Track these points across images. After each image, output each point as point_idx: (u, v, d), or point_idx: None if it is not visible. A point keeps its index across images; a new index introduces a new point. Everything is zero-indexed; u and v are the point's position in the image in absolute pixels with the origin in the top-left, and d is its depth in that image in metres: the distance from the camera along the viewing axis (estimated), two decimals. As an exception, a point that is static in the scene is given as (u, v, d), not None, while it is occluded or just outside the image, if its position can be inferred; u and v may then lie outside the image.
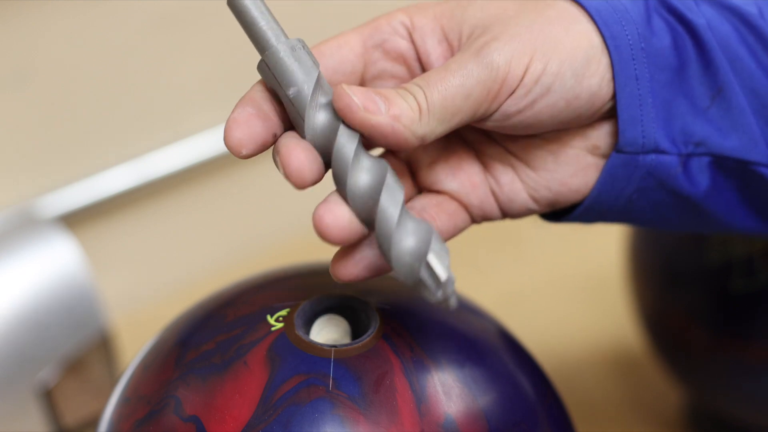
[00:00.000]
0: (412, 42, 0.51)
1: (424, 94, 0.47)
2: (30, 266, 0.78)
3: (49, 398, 0.77)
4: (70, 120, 0.94)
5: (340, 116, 0.46)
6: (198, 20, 0.96)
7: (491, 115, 0.49)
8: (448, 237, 0.52)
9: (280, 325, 0.50)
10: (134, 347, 0.75)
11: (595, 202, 0.53)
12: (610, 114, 0.51)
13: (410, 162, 0.53)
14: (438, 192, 0.53)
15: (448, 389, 0.48)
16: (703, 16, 0.51)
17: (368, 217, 0.46)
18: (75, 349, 0.78)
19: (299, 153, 0.46)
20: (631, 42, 0.50)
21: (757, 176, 0.52)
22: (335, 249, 0.49)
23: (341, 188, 0.46)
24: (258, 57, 0.49)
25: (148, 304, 0.99)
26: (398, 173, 0.52)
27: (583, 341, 0.89)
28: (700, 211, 0.54)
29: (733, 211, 0.54)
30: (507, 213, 0.53)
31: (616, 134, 0.52)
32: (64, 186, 0.94)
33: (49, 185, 0.93)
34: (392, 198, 0.45)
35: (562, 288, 0.96)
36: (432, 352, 0.49)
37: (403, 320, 0.50)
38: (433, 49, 0.51)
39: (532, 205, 0.53)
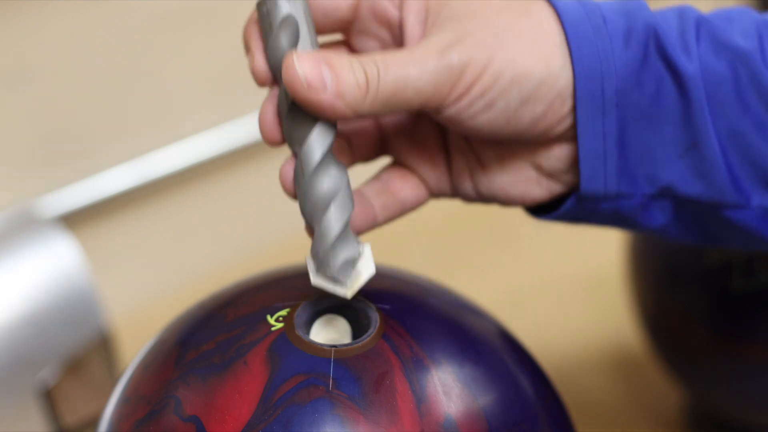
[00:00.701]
0: (400, 11, 0.51)
1: (379, 74, 0.47)
2: (30, 266, 0.78)
3: (49, 398, 0.77)
4: (71, 120, 0.94)
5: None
6: (198, 20, 0.96)
7: (439, 113, 0.50)
8: (411, 208, 0.55)
9: (280, 325, 0.50)
10: (134, 347, 0.75)
11: (553, 218, 0.55)
12: (563, 139, 0.52)
13: (379, 124, 0.55)
14: (399, 163, 0.55)
15: (448, 389, 0.48)
16: (699, 58, 0.50)
17: (310, 217, 0.49)
18: (75, 349, 0.78)
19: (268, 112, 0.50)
20: (605, 97, 0.50)
21: (719, 216, 0.53)
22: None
23: (296, 184, 0.50)
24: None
25: (148, 304, 0.99)
26: (364, 136, 0.55)
27: (583, 341, 0.89)
28: (651, 233, 0.56)
29: (683, 237, 0.55)
30: (457, 194, 0.56)
31: (565, 160, 0.52)
32: (64, 186, 0.94)
33: (49, 185, 0.93)
34: (340, 214, 0.49)
35: (562, 288, 0.96)
36: (432, 352, 0.49)
37: (403, 320, 0.50)
38: (412, 28, 0.51)
39: (474, 197, 0.55)
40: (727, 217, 0.52)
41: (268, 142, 0.50)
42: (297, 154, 0.50)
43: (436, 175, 0.55)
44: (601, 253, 0.94)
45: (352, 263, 0.49)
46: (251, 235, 1.05)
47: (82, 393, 0.80)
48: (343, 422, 0.46)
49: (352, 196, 0.50)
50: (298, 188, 0.50)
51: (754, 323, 0.68)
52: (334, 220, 0.49)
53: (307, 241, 0.49)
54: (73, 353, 0.78)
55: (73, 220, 0.94)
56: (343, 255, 0.49)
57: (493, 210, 1.07)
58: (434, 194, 0.56)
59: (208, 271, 1.02)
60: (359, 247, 0.50)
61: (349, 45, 0.54)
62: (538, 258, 1.01)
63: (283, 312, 0.50)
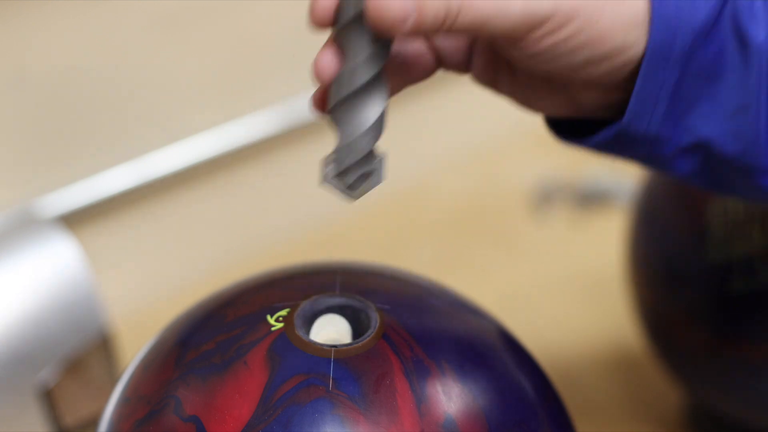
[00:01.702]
0: None
1: (459, 12, 0.46)
2: (30, 266, 0.78)
3: (49, 398, 0.77)
4: (70, 120, 0.94)
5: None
6: (198, 20, 0.96)
7: (498, 47, 0.49)
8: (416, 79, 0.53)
9: (280, 325, 0.50)
10: (134, 347, 0.75)
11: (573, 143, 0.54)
12: (608, 86, 0.51)
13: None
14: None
15: (448, 389, 0.48)
16: (766, 29, 0.50)
17: (340, 127, 0.48)
18: (75, 349, 0.78)
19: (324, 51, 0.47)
20: (675, 50, 0.49)
21: (744, 179, 0.53)
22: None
23: (337, 85, 0.48)
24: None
25: (148, 304, 0.99)
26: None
27: (583, 341, 0.89)
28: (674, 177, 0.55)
29: (705, 187, 0.55)
30: (467, 73, 0.54)
31: (602, 101, 0.52)
32: (64, 186, 0.94)
33: (49, 185, 0.93)
34: (374, 136, 0.48)
35: (562, 288, 0.96)
36: (432, 352, 0.49)
37: (403, 320, 0.50)
38: None
39: (487, 86, 0.54)
40: (753, 183, 0.53)
41: (315, 22, 0.47)
42: (347, 59, 0.48)
43: (455, 61, 0.53)
44: (601, 253, 0.94)
45: (367, 175, 0.49)
46: (251, 235, 1.05)
47: (82, 393, 0.79)
48: (343, 422, 0.46)
49: (385, 116, 0.49)
50: (337, 92, 0.48)
51: (754, 323, 0.68)
52: (366, 141, 0.48)
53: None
54: (73, 353, 0.78)
55: (73, 220, 0.94)
56: (362, 169, 0.49)
57: (494, 210, 1.07)
58: (443, 67, 0.54)
59: (208, 271, 1.02)
60: (377, 160, 0.49)
61: None
62: (538, 258, 1.01)
63: (283, 312, 0.50)
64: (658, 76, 0.50)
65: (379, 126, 0.49)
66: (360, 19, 0.46)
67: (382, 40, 0.47)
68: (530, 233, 1.04)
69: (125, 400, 0.51)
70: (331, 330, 0.51)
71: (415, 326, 0.50)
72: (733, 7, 0.50)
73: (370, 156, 0.49)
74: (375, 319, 0.50)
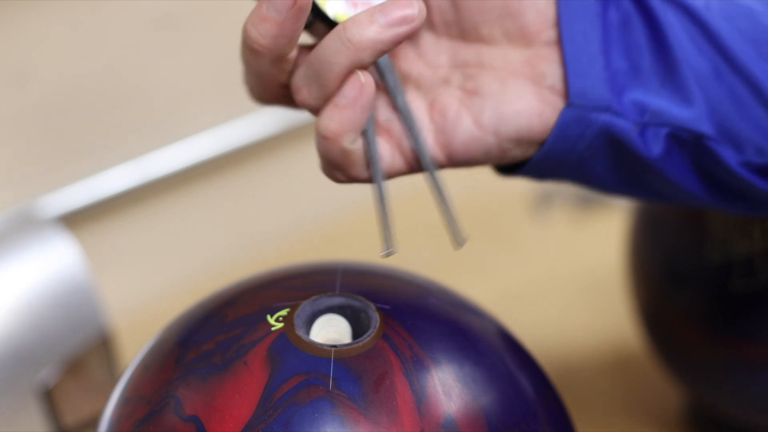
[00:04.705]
0: None
1: None
2: (30, 266, 0.78)
3: (49, 398, 0.77)
4: (70, 120, 0.94)
5: None
6: (198, 20, 0.96)
7: None
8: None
9: (280, 325, 0.50)
10: (134, 347, 0.75)
11: (547, 155, 0.53)
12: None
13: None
14: None
15: (448, 389, 0.48)
16: None
17: None
18: (75, 349, 0.78)
19: None
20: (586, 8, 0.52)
21: (707, 150, 0.53)
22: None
23: None
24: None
25: (148, 304, 0.99)
26: None
27: (582, 341, 0.89)
28: (651, 174, 0.55)
29: (685, 178, 0.55)
30: (451, 149, 0.54)
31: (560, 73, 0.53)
32: (64, 186, 0.94)
33: (49, 185, 0.93)
34: None
35: (562, 288, 0.96)
36: (432, 352, 0.49)
37: (403, 320, 0.51)
38: None
39: (476, 132, 0.53)
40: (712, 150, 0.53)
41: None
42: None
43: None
44: (601, 253, 0.94)
45: None
46: (251, 235, 1.05)
47: (82, 393, 0.79)
48: (343, 422, 0.46)
49: None
50: None
51: (754, 323, 0.68)
52: None
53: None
54: (73, 353, 0.78)
55: (73, 220, 0.94)
56: None
57: (493, 210, 1.07)
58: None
59: (208, 271, 1.02)
60: None
61: None
62: (538, 258, 1.01)
63: (283, 312, 0.50)
64: (579, 27, 0.52)
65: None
66: None
67: None
68: (530, 233, 1.04)
69: (125, 400, 0.51)
70: (331, 330, 0.51)
71: (415, 326, 0.50)
72: None
73: None
74: (375, 319, 0.50)
